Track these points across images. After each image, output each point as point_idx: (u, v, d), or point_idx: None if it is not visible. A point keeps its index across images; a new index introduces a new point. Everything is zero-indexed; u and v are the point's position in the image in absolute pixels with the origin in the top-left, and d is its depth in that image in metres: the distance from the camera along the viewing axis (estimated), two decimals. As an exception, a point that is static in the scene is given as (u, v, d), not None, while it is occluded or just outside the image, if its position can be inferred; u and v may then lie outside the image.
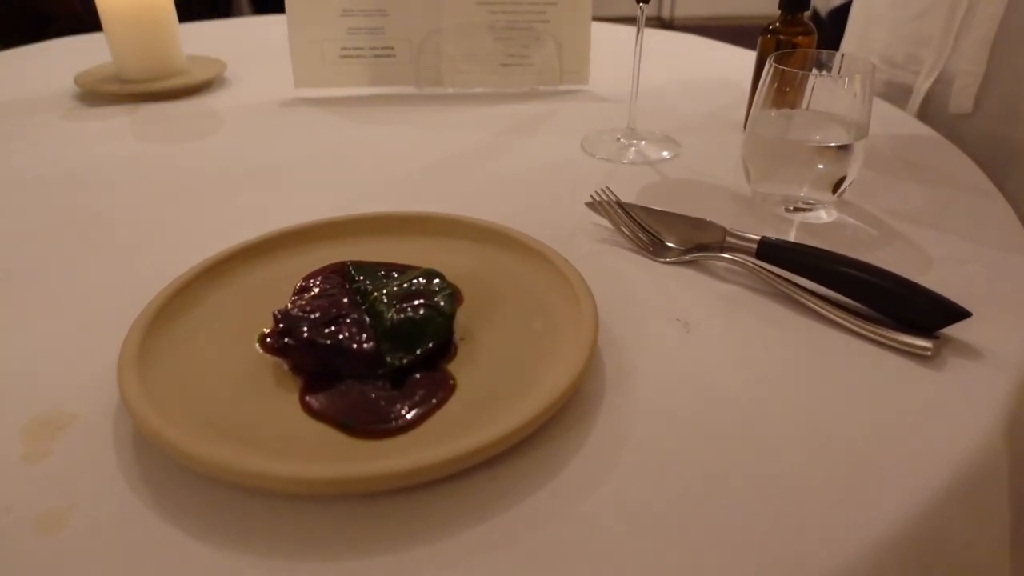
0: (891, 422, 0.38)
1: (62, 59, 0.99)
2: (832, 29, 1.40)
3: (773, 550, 0.31)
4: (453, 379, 0.39)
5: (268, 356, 0.40)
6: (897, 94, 0.86)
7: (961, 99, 0.78)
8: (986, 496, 0.37)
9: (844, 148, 0.55)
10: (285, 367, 0.40)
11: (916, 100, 0.82)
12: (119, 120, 0.80)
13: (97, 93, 0.86)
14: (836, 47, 0.58)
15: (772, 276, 0.47)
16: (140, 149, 0.73)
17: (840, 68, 0.57)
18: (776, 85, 0.55)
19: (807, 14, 0.68)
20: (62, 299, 0.49)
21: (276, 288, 0.46)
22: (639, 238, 0.53)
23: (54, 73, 0.93)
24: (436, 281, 0.43)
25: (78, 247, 0.55)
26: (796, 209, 0.58)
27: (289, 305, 0.42)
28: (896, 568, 0.31)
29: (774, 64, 0.55)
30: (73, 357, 0.42)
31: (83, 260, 0.53)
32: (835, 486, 0.34)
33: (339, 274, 0.46)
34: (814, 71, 0.56)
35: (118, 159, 0.70)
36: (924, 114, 0.82)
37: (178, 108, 0.84)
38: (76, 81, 0.86)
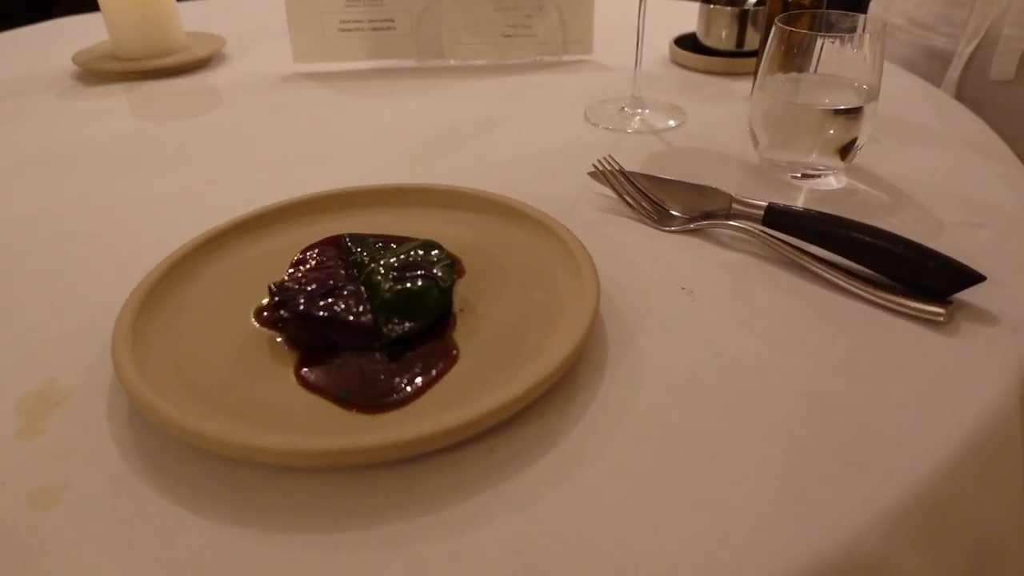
0: (903, 388, 0.37)
1: (62, 38, 0.98)
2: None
3: (779, 519, 0.30)
4: (456, 349, 0.38)
5: (264, 329, 0.40)
6: (924, 57, 0.83)
7: (1004, 65, 0.75)
8: (1000, 463, 0.36)
9: (854, 111, 0.53)
10: (281, 340, 0.39)
11: (958, 65, 0.79)
12: (117, 98, 0.79)
13: (95, 72, 0.85)
14: (857, 9, 0.56)
15: (780, 243, 0.46)
16: (138, 126, 0.72)
17: (849, 29, 0.55)
18: (783, 48, 0.54)
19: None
20: (59, 274, 0.48)
21: (273, 262, 0.45)
22: (643, 207, 0.52)
23: (53, 53, 0.92)
24: (434, 252, 0.42)
25: (75, 223, 0.54)
26: (805, 176, 0.57)
27: (285, 278, 0.41)
28: (907, 536, 0.31)
29: (781, 26, 0.53)
30: (69, 333, 0.42)
31: (80, 236, 0.53)
32: (845, 454, 0.33)
33: (336, 246, 0.45)
34: (822, 33, 0.55)
35: (116, 137, 0.70)
36: (963, 80, 0.80)
37: (177, 85, 0.83)
38: (74, 60, 0.86)
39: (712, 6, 0.82)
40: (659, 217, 0.52)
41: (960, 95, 0.80)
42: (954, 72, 0.80)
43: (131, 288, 0.41)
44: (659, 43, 0.88)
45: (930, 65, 0.83)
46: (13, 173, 0.63)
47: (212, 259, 0.45)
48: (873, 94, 0.53)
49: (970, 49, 0.78)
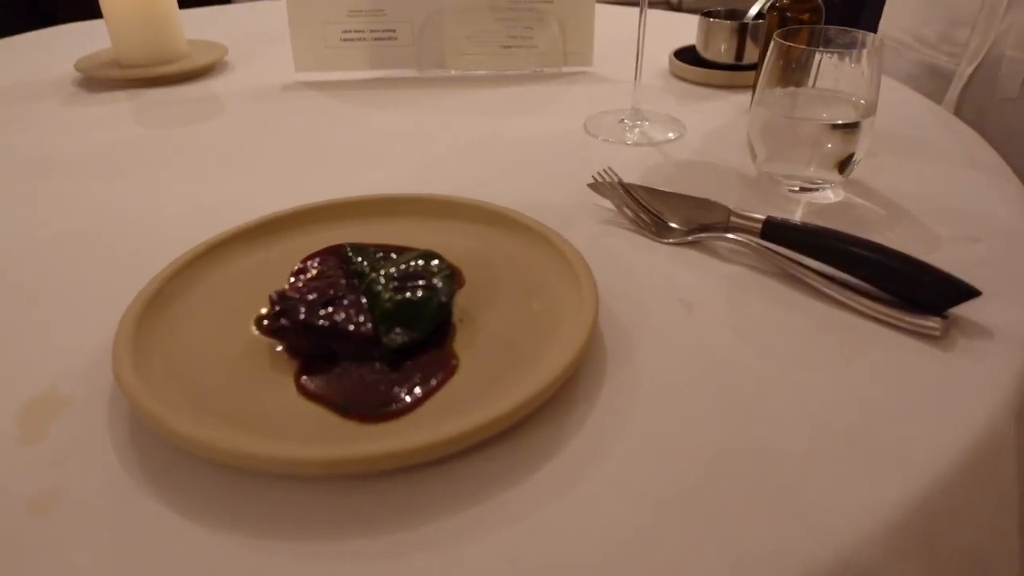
0: (898, 402, 0.37)
1: (64, 45, 0.99)
2: (845, 8, 1.38)
3: (775, 532, 0.30)
4: (456, 359, 0.39)
5: (264, 338, 0.40)
6: (927, 75, 0.84)
7: (1008, 84, 0.76)
8: (994, 476, 0.36)
9: (851, 126, 0.54)
10: (281, 349, 0.39)
11: (958, 85, 0.80)
12: (119, 105, 0.80)
13: (97, 79, 0.85)
14: (855, 25, 0.56)
15: (777, 256, 0.47)
16: (140, 134, 0.73)
17: (847, 45, 0.55)
18: (782, 62, 0.54)
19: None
20: (59, 281, 0.48)
21: (273, 270, 0.45)
22: (641, 219, 0.53)
23: (56, 59, 0.92)
24: (435, 262, 0.42)
25: (77, 230, 0.55)
26: (802, 189, 0.57)
27: (286, 287, 0.42)
28: (901, 549, 0.31)
29: (780, 41, 0.54)
30: (69, 339, 0.42)
31: (82, 242, 0.53)
32: (840, 467, 0.33)
33: (337, 256, 0.45)
34: (820, 48, 0.55)
35: (117, 144, 0.70)
36: (962, 100, 0.80)
37: (179, 93, 0.83)
38: (76, 67, 0.86)
39: (712, 20, 0.83)
40: (657, 229, 0.52)
41: (959, 114, 0.80)
42: (953, 92, 0.80)
43: (131, 295, 0.41)
44: (659, 56, 0.88)
45: (933, 83, 0.83)
46: (15, 179, 0.63)
47: (213, 268, 0.45)
48: (871, 109, 0.54)
49: (970, 70, 0.78)
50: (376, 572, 0.29)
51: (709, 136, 0.69)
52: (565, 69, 0.87)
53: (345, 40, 0.84)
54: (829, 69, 0.54)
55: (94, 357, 0.40)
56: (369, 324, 0.39)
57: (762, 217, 0.48)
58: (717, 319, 0.43)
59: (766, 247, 0.47)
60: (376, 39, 0.84)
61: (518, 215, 0.49)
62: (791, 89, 0.55)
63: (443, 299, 0.40)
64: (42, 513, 0.32)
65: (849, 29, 0.55)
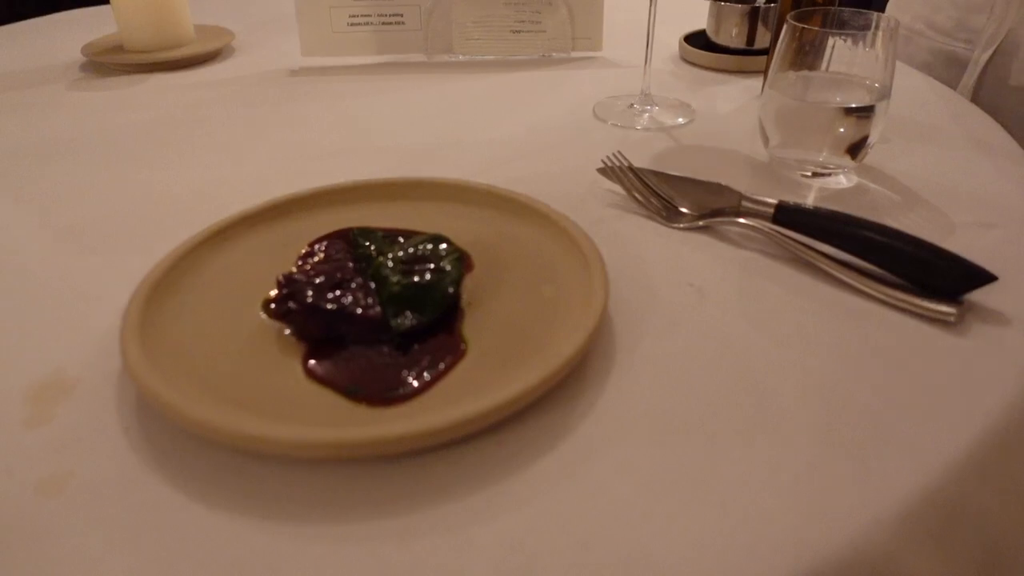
0: (912, 389, 0.36)
1: (70, 30, 0.98)
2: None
3: (786, 518, 0.30)
4: (465, 343, 0.38)
5: (272, 321, 0.39)
6: (943, 62, 0.82)
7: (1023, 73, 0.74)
8: (1010, 465, 0.35)
9: (865, 110, 0.53)
10: (288, 332, 0.39)
11: (973, 72, 0.79)
12: (126, 90, 0.79)
13: (104, 64, 0.85)
14: (868, 7, 0.55)
15: (790, 241, 0.46)
16: (146, 118, 0.72)
17: (861, 27, 0.54)
18: (795, 45, 0.53)
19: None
20: (66, 265, 0.48)
21: (281, 254, 0.45)
22: (652, 203, 0.52)
23: (62, 44, 0.92)
24: (443, 246, 0.42)
25: (84, 214, 0.54)
26: (815, 174, 0.56)
27: (293, 270, 0.41)
28: (916, 536, 0.30)
29: (793, 23, 0.53)
30: (76, 322, 0.42)
31: (88, 226, 0.53)
32: (853, 454, 0.33)
33: (344, 239, 0.45)
34: (834, 31, 0.54)
35: (124, 128, 0.70)
36: (978, 86, 0.79)
37: (186, 78, 0.83)
38: (83, 51, 0.86)
39: (723, 3, 0.82)
40: (668, 214, 0.51)
41: (975, 101, 0.79)
42: (969, 79, 0.79)
43: (138, 279, 0.41)
44: (669, 40, 0.87)
45: (949, 71, 0.82)
46: (21, 163, 0.63)
47: (220, 251, 0.45)
48: (885, 93, 0.53)
49: (986, 56, 0.77)
50: (384, 555, 0.29)
51: (720, 121, 0.68)
52: (574, 54, 0.86)
53: (352, 25, 0.83)
54: (843, 52, 0.53)
55: (101, 340, 0.40)
56: (377, 307, 0.38)
57: (774, 201, 0.48)
58: (728, 304, 0.43)
59: (778, 232, 0.47)
60: (383, 23, 0.83)
61: (527, 199, 0.48)
62: (804, 73, 0.54)
63: (452, 283, 0.40)
64: (50, 496, 0.32)
65: (863, 11, 0.54)
